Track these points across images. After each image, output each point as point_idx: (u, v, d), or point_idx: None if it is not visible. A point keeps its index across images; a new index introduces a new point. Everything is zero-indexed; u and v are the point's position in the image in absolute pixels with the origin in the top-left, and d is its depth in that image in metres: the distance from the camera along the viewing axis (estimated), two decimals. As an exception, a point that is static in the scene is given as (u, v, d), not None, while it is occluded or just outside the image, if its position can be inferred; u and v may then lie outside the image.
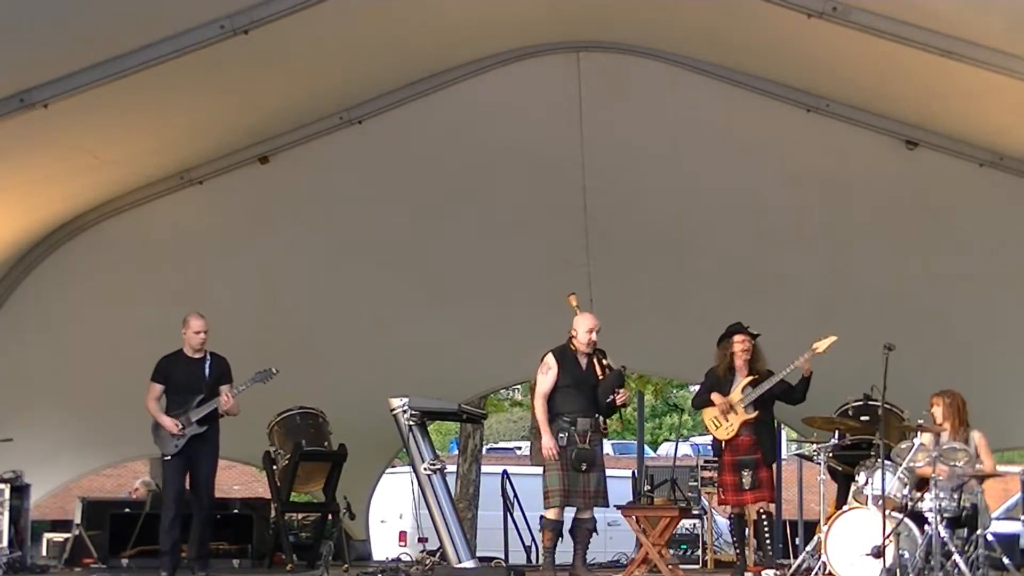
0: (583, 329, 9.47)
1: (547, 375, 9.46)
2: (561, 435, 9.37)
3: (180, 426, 9.55)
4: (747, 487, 9.59)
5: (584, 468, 9.32)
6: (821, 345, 9.56)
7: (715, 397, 9.75)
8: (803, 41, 9.70)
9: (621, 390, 9.53)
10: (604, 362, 9.47)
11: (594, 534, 9.56)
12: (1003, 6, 8.53)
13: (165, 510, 9.67)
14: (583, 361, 9.48)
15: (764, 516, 9.68)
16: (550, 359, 9.47)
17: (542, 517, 9.52)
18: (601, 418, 9.47)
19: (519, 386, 20.15)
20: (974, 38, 8.74)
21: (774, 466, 9.87)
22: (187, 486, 9.80)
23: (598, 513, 9.70)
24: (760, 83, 10.67)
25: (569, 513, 9.47)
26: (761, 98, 10.73)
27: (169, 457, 9.63)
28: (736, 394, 9.67)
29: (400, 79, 10.92)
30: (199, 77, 9.50)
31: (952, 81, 9.34)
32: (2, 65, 8.66)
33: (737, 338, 9.77)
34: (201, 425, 9.60)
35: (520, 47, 10.82)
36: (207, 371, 9.74)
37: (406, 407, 10.14)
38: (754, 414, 9.60)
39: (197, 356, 9.77)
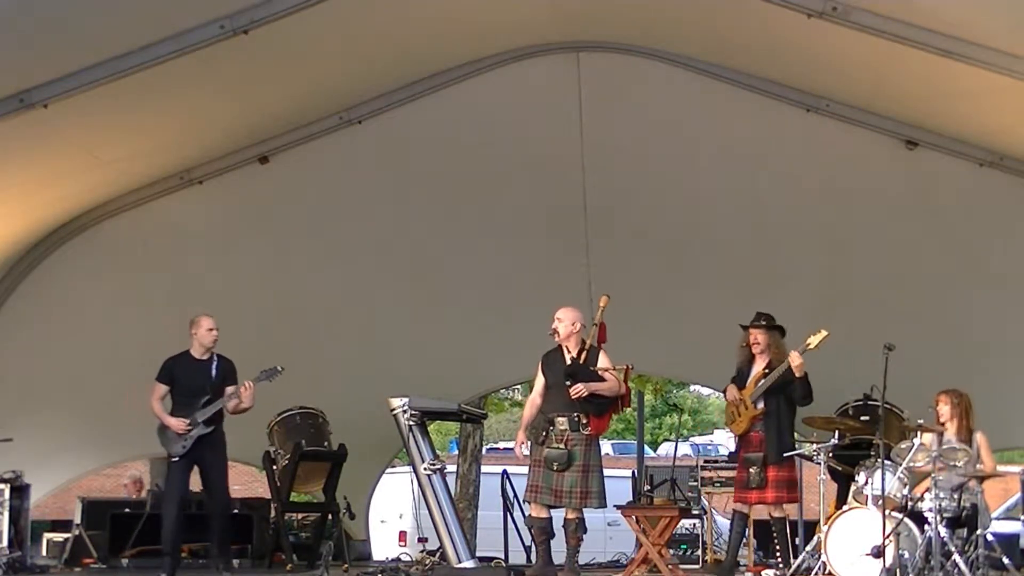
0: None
1: (537, 378, 9.49)
2: (541, 433, 9.28)
3: (188, 423, 9.49)
4: (753, 485, 9.50)
5: (556, 468, 9.12)
6: (813, 341, 9.42)
7: (728, 392, 9.75)
8: (803, 41, 9.70)
9: (576, 384, 9.13)
10: (581, 356, 9.27)
11: (580, 535, 9.27)
12: (1003, 6, 8.53)
13: (167, 511, 9.64)
14: (568, 358, 9.31)
15: (774, 521, 9.58)
16: (541, 362, 9.45)
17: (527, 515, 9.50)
18: (580, 415, 9.15)
19: (519, 386, 20.12)
20: (974, 38, 8.74)
21: (794, 466, 9.63)
22: (190, 487, 9.83)
23: (598, 513, 9.67)
24: (760, 83, 10.67)
25: (559, 514, 9.35)
26: (761, 98, 10.74)
27: (176, 459, 9.59)
28: (749, 388, 9.64)
29: (400, 79, 10.92)
30: (199, 77, 9.50)
31: (952, 81, 9.33)
32: (2, 65, 8.67)
33: (751, 330, 9.72)
34: (208, 426, 9.56)
35: (520, 47, 10.83)
36: (213, 372, 9.69)
37: (406, 407, 10.15)
38: (760, 410, 9.54)
39: (204, 357, 9.73)
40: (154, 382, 9.71)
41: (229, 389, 9.67)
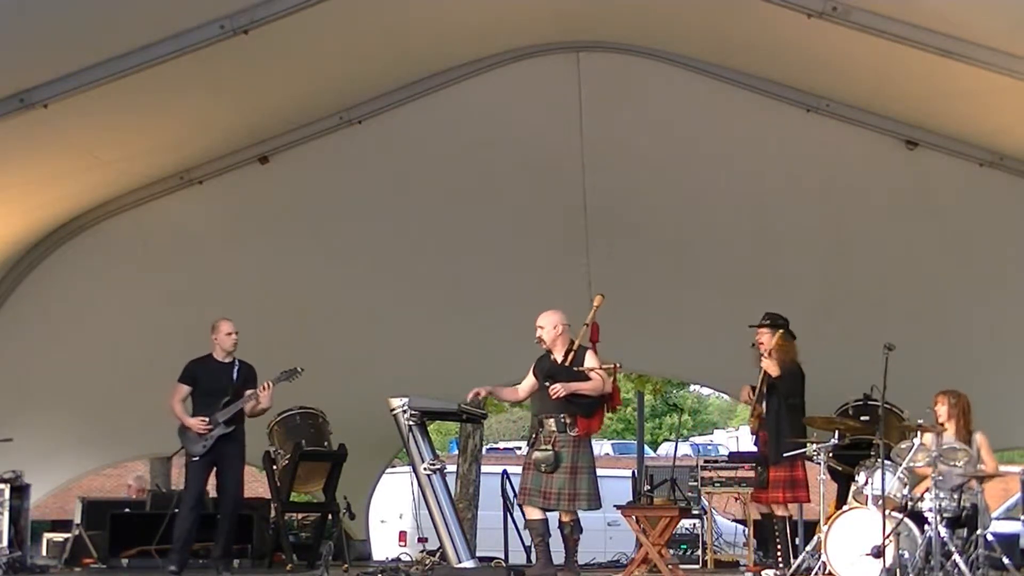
0: None
1: (527, 378, 9.53)
2: (532, 435, 9.34)
3: (207, 422, 9.57)
4: (761, 485, 9.62)
5: (544, 469, 9.13)
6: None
7: (742, 392, 9.89)
8: (803, 41, 9.70)
9: (554, 385, 9.14)
10: (567, 358, 9.27)
11: (576, 536, 9.29)
12: (1003, 6, 8.53)
13: (184, 508, 9.72)
14: (558, 360, 9.32)
15: (775, 520, 9.63)
16: (534, 365, 9.47)
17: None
18: (565, 417, 9.14)
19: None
20: (974, 38, 8.74)
21: (797, 466, 9.61)
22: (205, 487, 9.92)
23: (598, 513, 9.65)
24: (760, 83, 10.67)
25: (555, 513, 9.34)
26: (761, 98, 10.74)
27: (197, 458, 9.68)
28: (758, 388, 9.73)
29: (400, 79, 10.92)
30: (199, 77, 9.50)
31: (952, 81, 9.34)
32: (2, 65, 8.67)
33: (757, 330, 9.76)
34: (228, 426, 9.66)
35: (520, 47, 10.83)
36: (235, 375, 9.81)
37: (406, 407, 10.13)
38: (762, 409, 9.62)
39: (226, 361, 9.84)
40: (176, 383, 9.80)
41: (249, 392, 9.76)
